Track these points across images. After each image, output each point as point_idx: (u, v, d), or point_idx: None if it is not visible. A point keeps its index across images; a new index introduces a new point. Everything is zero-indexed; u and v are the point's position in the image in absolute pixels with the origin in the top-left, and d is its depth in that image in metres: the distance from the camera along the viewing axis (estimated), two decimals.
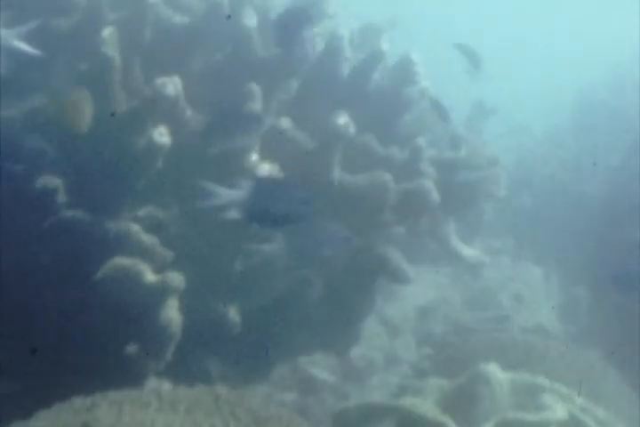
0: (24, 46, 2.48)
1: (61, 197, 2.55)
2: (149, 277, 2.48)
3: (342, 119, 2.95)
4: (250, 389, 3.36)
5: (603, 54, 7.25)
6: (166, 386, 2.60)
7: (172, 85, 2.67)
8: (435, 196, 3.16)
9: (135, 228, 2.62)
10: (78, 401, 2.16)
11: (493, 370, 3.04)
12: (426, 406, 2.83)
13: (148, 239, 2.61)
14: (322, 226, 2.72)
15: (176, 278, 2.50)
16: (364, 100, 3.31)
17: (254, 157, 2.86)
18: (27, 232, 2.58)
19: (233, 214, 2.40)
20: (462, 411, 2.98)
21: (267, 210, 2.44)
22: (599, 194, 5.63)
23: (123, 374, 2.53)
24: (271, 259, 2.81)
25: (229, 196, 2.40)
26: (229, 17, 2.99)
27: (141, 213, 2.76)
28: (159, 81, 2.67)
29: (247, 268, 3.02)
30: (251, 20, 3.09)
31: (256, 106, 2.82)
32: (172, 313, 2.52)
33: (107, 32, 2.65)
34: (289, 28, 2.99)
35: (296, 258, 2.72)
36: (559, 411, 2.83)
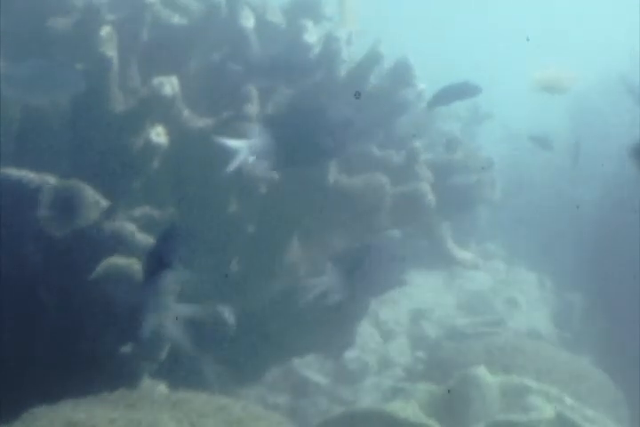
0: None
1: None
2: None
3: None
4: (243, 390, 3.36)
5: (598, 59, 7.26)
6: (161, 387, 2.60)
7: (169, 86, 2.67)
8: (431, 198, 3.16)
9: (131, 227, 2.62)
10: (69, 401, 2.16)
11: (483, 373, 3.05)
12: (409, 409, 2.82)
13: (143, 239, 2.61)
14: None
15: None
16: (361, 102, 3.31)
17: (251, 158, 2.86)
18: (22, 231, 2.57)
19: (261, 165, 2.33)
20: (453, 414, 2.99)
21: (298, 147, 2.30)
22: (594, 200, 5.63)
23: (117, 375, 2.52)
24: None
25: (246, 147, 2.28)
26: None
27: (137, 212, 2.75)
28: (157, 81, 2.67)
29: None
30: (248, 21, 3.09)
31: None
32: None
33: (104, 32, 2.65)
34: None
35: None
36: (547, 411, 2.84)
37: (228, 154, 2.31)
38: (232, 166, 2.31)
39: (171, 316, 2.10)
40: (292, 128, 2.36)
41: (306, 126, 2.36)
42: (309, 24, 3.20)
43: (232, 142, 2.33)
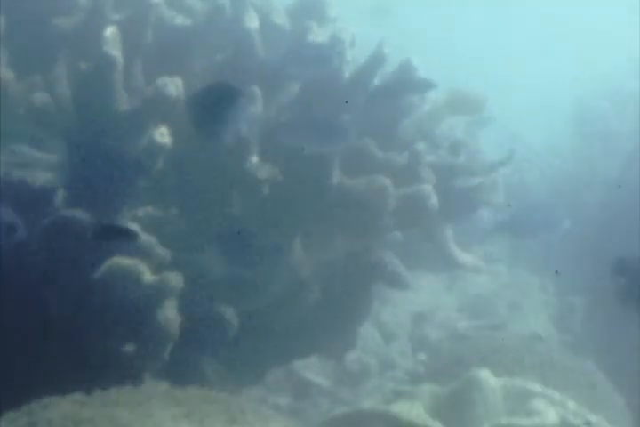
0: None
1: (61, 196, 2.55)
2: (148, 276, 2.48)
3: None
4: (244, 391, 3.36)
5: (601, 64, 7.27)
6: (163, 386, 2.60)
7: (173, 86, 2.67)
8: (434, 201, 3.15)
9: (134, 227, 2.62)
10: (72, 398, 2.16)
11: (486, 376, 3.04)
12: (414, 411, 2.82)
13: (147, 239, 2.61)
14: None
15: (174, 279, 2.49)
16: (365, 104, 3.31)
17: (254, 159, 2.86)
18: (26, 231, 2.57)
19: None
20: (456, 416, 2.98)
21: None
22: (597, 204, 5.63)
23: (120, 374, 2.52)
24: None
25: None
26: None
27: (141, 212, 2.75)
28: (161, 81, 2.67)
29: None
30: (252, 22, 3.09)
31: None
32: (170, 313, 2.52)
33: (109, 32, 2.65)
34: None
35: None
36: (550, 415, 2.84)
37: None
38: None
39: None
40: None
41: None
42: (314, 26, 3.20)
43: None
